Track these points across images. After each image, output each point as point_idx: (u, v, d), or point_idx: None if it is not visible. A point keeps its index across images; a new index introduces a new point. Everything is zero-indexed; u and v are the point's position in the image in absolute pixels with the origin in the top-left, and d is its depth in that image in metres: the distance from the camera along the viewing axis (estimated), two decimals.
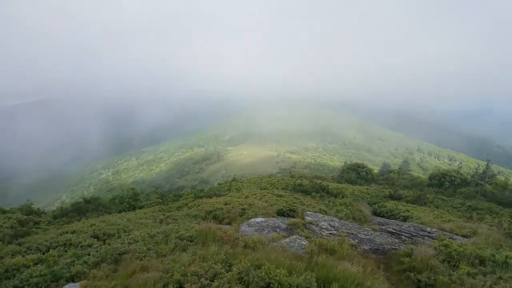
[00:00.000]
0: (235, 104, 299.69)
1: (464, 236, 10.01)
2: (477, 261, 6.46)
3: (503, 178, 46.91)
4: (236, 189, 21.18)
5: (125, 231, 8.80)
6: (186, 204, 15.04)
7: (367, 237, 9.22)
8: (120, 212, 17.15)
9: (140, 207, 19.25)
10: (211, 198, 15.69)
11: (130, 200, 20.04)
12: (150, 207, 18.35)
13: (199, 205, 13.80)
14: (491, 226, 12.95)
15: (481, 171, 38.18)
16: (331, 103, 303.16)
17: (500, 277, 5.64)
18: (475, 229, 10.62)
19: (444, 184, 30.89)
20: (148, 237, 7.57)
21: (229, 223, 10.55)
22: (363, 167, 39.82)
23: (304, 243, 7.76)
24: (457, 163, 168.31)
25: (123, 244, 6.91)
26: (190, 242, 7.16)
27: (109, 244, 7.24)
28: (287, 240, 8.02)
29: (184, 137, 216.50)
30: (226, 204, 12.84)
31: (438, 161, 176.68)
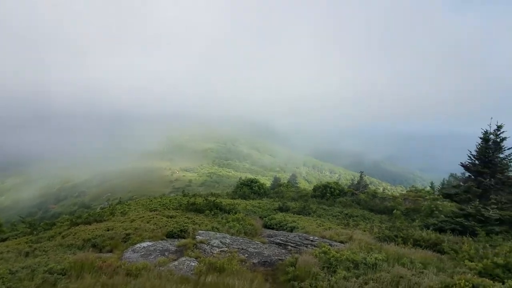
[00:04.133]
0: (125, 122, 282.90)
1: (341, 242, 11.06)
2: (351, 265, 7.14)
3: (373, 188, 54.84)
4: (121, 212, 19.49)
5: None
6: (60, 233, 13.29)
7: (256, 250, 9.39)
8: None
9: (3, 239, 16.71)
10: (90, 224, 14.07)
11: None
12: (15, 238, 16.04)
13: (75, 233, 12.31)
14: (364, 231, 14.74)
15: (356, 182, 43.69)
16: (226, 120, 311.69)
17: (370, 278, 6.35)
18: (351, 235, 11.88)
19: (326, 195, 34.10)
20: (9, 273, 6.69)
21: (110, 251, 9.71)
22: (256, 182, 41.38)
23: (193, 264, 7.53)
24: (337, 175, 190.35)
25: None
26: (62, 275, 6.56)
27: None
28: (176, 263, 7.71)
29: (60, 158, 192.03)
30: (108, 230, 11.73)
31: (320, 174, 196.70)
